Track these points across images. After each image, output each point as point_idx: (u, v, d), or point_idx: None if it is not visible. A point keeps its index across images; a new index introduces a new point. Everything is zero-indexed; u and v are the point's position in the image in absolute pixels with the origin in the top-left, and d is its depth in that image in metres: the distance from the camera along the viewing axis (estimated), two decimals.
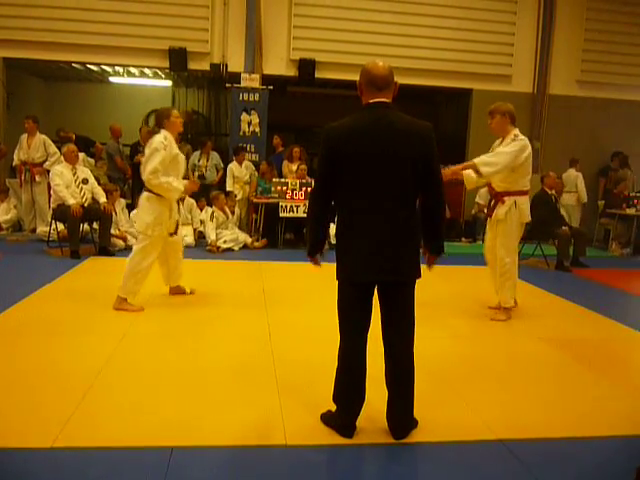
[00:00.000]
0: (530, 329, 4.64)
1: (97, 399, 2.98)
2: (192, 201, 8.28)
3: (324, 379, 2.88)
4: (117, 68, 10.85)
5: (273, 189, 8.33)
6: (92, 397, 2.99)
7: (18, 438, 2.55)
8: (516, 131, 4.64)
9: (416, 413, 2.76)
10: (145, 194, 4.71)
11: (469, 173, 4.55)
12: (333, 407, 2.77)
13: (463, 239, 9.58)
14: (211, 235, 7.73)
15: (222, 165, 9.25)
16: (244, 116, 9.31)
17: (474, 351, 4.08)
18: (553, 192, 7.93)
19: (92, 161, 9.25)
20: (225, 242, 7.81)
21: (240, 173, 8.83)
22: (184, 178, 5.03)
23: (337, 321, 2.70)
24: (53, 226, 7.09)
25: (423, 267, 2.74)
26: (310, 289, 5.47)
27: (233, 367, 3.51)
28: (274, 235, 8.29)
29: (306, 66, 9.39)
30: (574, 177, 9.80)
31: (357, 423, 2.72)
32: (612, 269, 7.92)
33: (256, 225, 8.49)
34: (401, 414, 2.73)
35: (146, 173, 4.55)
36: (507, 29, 9.93)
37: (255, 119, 9.33)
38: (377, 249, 2.57)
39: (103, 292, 5.13)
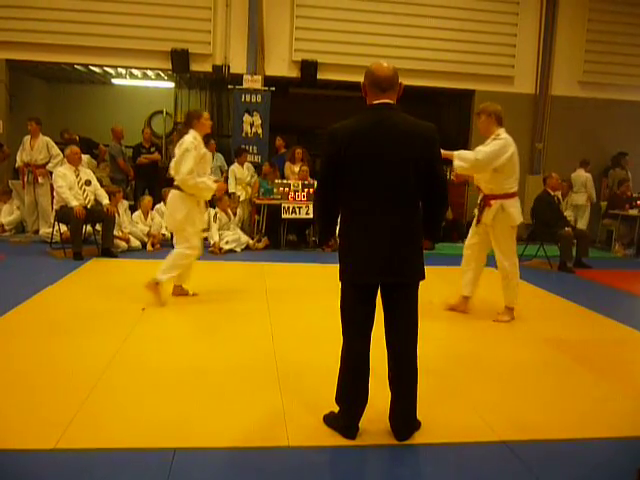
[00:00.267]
0: (532, 330, 4.63)
1: (100, 400, 2.98)
2: None
3: (327, 380, 2.88)
4: (119, 70, 10.86)
5: (275, 190, 8.33)
6: (95, 398, 2.99)
7: (21, 439, 2.55)
8: (500, 131, 4.60)
9: (418, 414, 2.76)
10: (174, 192, 4.86)
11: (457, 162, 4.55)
12: (336, 408, 2.77)
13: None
14: (214, 236, 7.73)
15: (226, 167, 9.25)
16: (246, 117, 9.32)
17: (477, 352, 4.07)
18: (557, 193, 7.92)
19: (95, 162, 9.27)
20: (227, 243, 7.81)
21: (242, 174, 8.84)
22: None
23: (340, 322, 2.71)
24: (56, 227, 7.11)
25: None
26: (313, 290, 5.46)
27: (236, 368, 3.51)
28: (276, 236, 8.29)
29: (308, 67, 9.40)
30: (584, 178, 9.80)
31: (360, 424, 2.72)
32: (615, 270, 7.90)
33: (258, 226, 8.49)
34: (404, 415, 2.72)
35: (182, 173, 4.69)
36: (509, 30, 9.92)
37: (257, 120, 9.33)
38: (379, 250, 2.57)
39: (106, 293, 5.14)
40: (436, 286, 5.58)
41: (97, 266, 6.49)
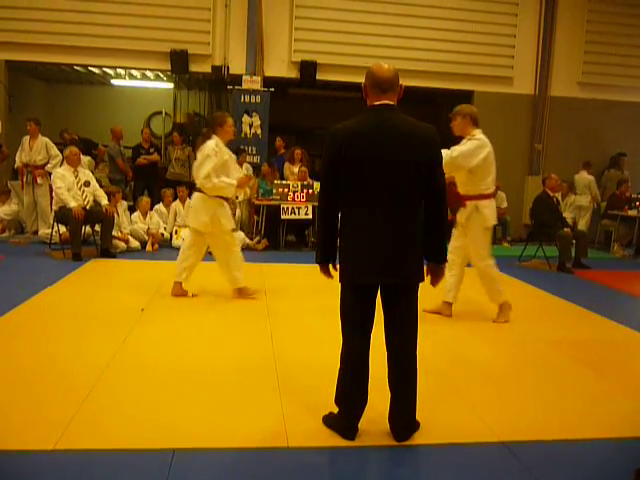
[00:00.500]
0: (531, 330, 4.64)
1: (99, 401, 2.98)
2: None
3: (326, 381, 2.88)
4: (119, 70, 10.86)
5: (274, 191, 8.33)
6: (94, 399, 2.99)
7: (20, 440, 2.55)
8: (475, 132, 4.58)
9: (418, 415, 2.76)
10: (197, 195, 5.04)
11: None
12: (335, 409, 2.77)
13: None
14: None
15: None
16: (245, 118, 9.32)
17: (476, 352, 4.07)
18: (556, 194, 7.92)
19: (94, 163, 9.26)
20: None
21: (241, 175, 8.81)
22: None
23: (339, 323, 2.71)
24: (55, 228, 7.10)
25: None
26: (312, 291, 5.46)
27: (235, 369, 3.51)
28: (276, 237, 8.29)
29: (307, 68, 9.40)
30: (587, 180, 9.80)
31: (359, 425, 2.72)
32: (614, 271, 7.91)
33: (257, 227, 8.49)
34: (403, 416, 2.72)
35: (200, 178, 4.91)
36: (508, 31, 9.94)
37: (256, 121, 9.34)
38: (379, 251, 2.57)
39: (105, 294, 5.14)
40: (436, 288, 5.57)
41: (96, 267, 6.49)
